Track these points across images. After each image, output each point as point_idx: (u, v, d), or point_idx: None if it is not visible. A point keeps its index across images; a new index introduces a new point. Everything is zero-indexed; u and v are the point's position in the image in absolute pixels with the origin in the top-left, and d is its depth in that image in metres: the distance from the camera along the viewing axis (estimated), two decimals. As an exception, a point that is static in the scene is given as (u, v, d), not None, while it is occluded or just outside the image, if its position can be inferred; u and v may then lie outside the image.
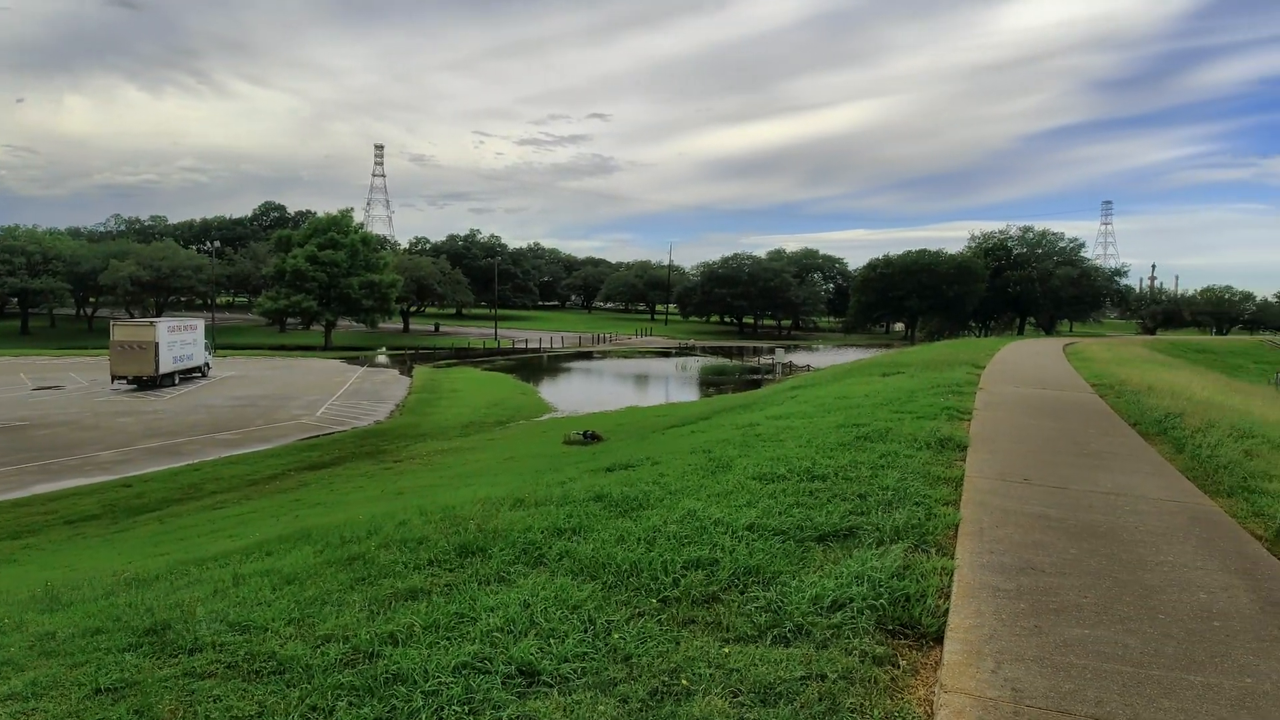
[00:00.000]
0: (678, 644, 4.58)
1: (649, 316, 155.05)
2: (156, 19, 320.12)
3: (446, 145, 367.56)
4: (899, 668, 4.36)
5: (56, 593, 8.06)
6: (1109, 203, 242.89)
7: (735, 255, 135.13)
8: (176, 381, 49.08)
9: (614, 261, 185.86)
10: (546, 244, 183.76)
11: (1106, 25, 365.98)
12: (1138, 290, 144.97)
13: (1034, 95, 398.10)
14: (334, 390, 49.05)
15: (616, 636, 4.67)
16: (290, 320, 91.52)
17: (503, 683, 4.23)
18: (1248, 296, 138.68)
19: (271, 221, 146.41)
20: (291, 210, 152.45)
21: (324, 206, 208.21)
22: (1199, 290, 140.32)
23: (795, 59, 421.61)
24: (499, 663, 4.41)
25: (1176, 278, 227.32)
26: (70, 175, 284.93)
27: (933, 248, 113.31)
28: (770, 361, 72.14)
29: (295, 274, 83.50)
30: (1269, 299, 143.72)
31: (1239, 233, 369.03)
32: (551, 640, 4.64)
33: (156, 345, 46.35)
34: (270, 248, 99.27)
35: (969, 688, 4.08)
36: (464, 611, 5.15)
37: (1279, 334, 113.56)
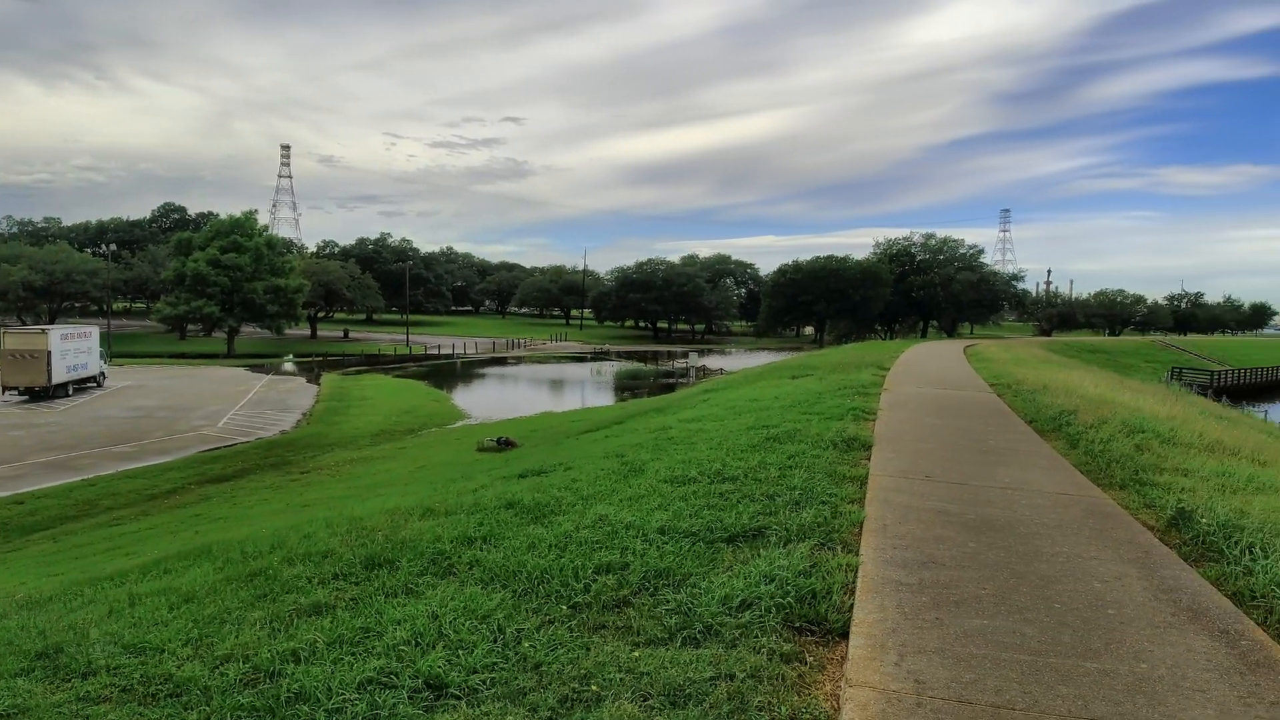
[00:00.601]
0: (588, 650, 4.57)
1: (564, 322, 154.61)
2: (55, 12, 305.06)
3: (357, 146, 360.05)
4: (806, 664, 4.43)
5: (-58, 617, 7.63)
6: (1007, 211, 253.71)
7: (650, 260, 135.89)
8: (70, 392, 46.85)
9: (529, 266, 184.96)
10: (460, 248, 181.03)
11: (1007, 41, 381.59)
12: (1035, 294, 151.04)
13: (938, 107, 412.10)
14: (237, 400, 47.50)
15: (526, 645, 4.63)
16: (191, 327, 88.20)
17: (409, 697, 4.15)
18: (1139, 299, 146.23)
19: (172, 224, 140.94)
20: (193, 212, 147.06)
21: (227, 208, 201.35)
22: (1093, 294, 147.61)
23: (709, 68, 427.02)
24: (405, 677, 4.32)
25: (1071, 282, 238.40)
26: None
27: (840, 254, 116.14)
28: (684, 365, 72.82)
29: (196, 278, 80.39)
30: (1159, 301, 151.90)
31: (1130, 239, 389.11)
32: (460, 651, 4.57)
33: (49, 354, 44.16)
34: (170, 251, 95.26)
35: (873, 681, 4.16)
36: (370, 626, 5.04)
37: (1169, 335, 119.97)
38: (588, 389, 62.05)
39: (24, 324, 79.90)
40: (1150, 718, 3.91)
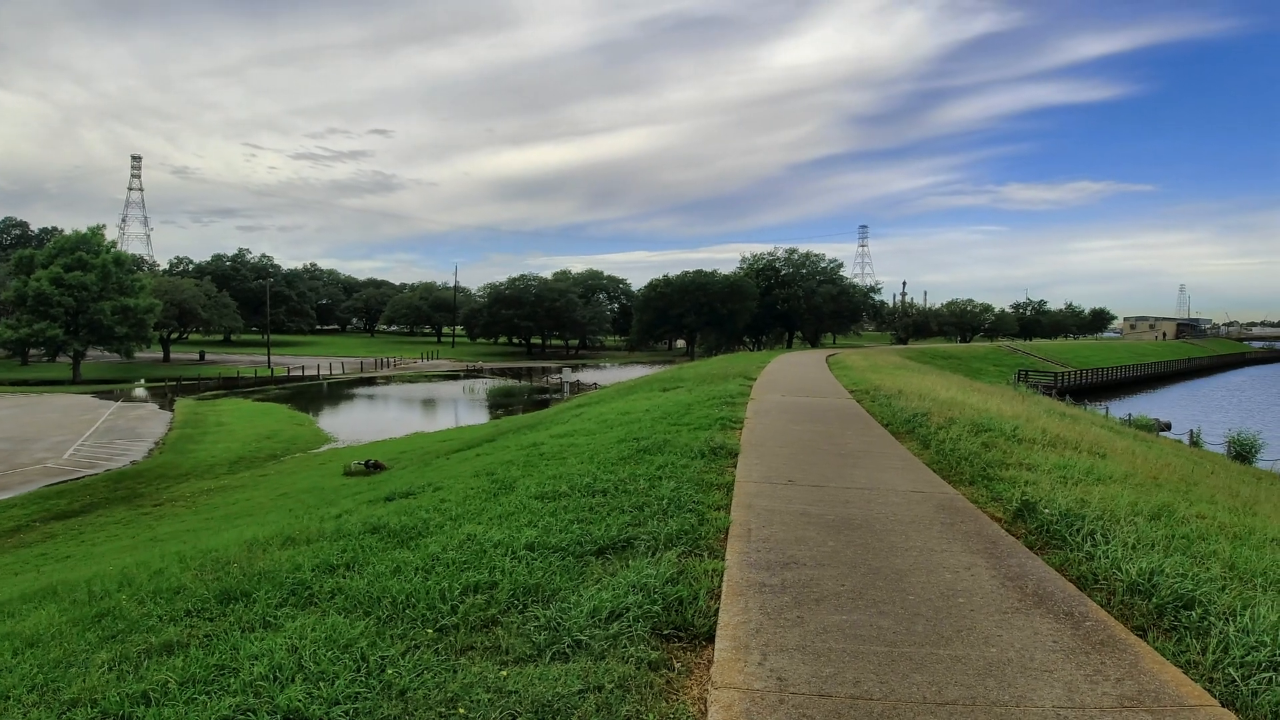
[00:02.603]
0: (455, 672, 4.51)
1: (435, 339, 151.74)
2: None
3: (213, 158, 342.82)
4: (674, 670, 4.51)
5: None
6: (865, 227, 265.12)
7: (522, 276, 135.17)
8: (-113, 429, 42.94)
9: (397, 283, 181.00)
10: (324, 264, 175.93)
11: (862, 66, 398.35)
12: (891, 305, 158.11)
13: (799, 127, 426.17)
14: (84, 429, 44.55)
15: (390, 672, 4.53)
16: (33, 352, 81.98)
17: (268, 732, 4.00)
18: (987, 308, 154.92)
19: (12, 240, 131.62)
20: (35, 227, 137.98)
21: (72, 223, 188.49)
22: (945, 303, 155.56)
23: (576, 84, 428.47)
24: (263, 713, 4.16)
25: (925, 293, 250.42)
26: None
27: (709, 268, 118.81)
28: (558, 380, 72.58)
29: (38, 298, 74.80)
30: (1006, 309, 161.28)
31: (978, 251, 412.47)
32: (321, 683, 4.43)
33: None
34: (9, 270, 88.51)
35: (737, 681, 4.27)
36: (225, 662, 4.83)
37: (1016, 340, 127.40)
38: (461, 408, 61.12)
39: None
40: (1001, 699, 4.12)
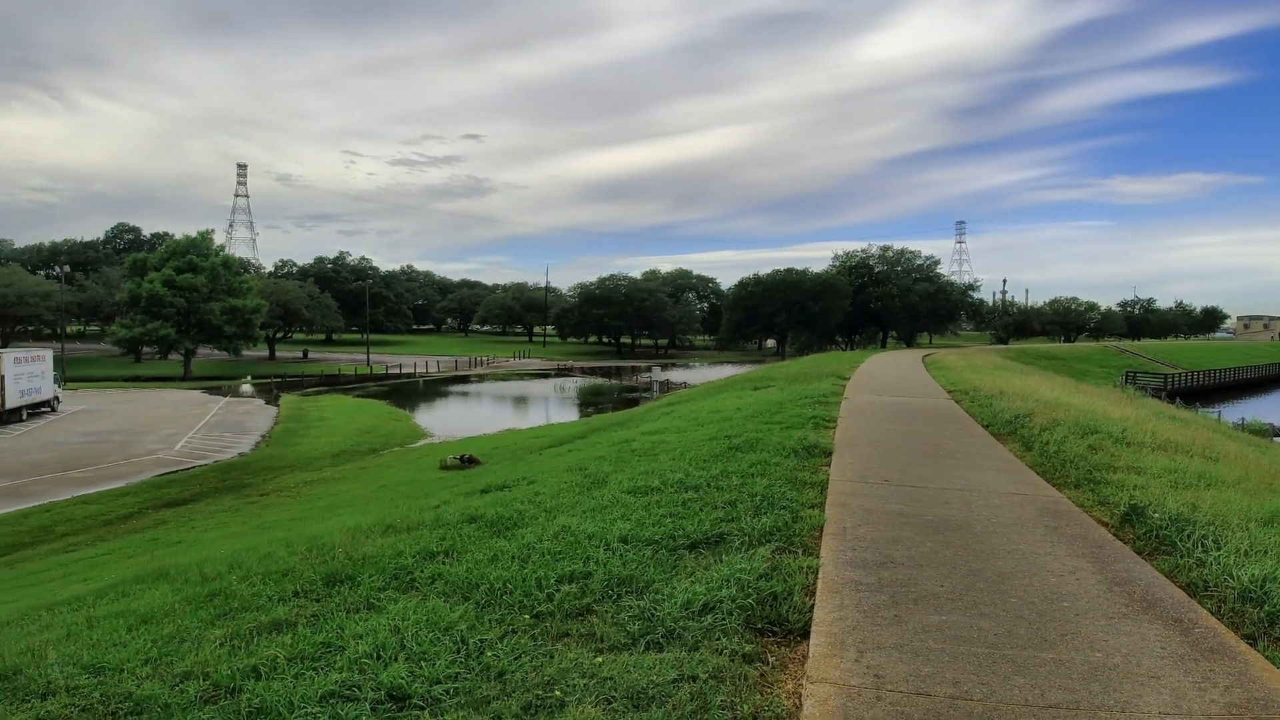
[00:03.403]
0: (551, 657, 4.58)
1: (526, 339, 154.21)
2: (2, 29, 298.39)
3: (314, 165, 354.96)
4: (767, 664, 4.48)
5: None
6: (962, 223, 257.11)
7: (611, 276, 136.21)
8: (24, 417, 45.75)
9: (490, 284, 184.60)
10: (420, 266, 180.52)
11: (955, 57, 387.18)
12: (990, 303, 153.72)
13: (889, 123, 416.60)
14: (194, 423, 46.72)
15: (489, 655, 4.63)
16: (147, 350, 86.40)
17: (372, 708, 4.13)
18: (1092, 306, 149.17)
19: (125, 244, 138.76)
20: (147, 233, 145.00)
21: (181, 228, 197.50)
22: (1047, 302, 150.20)
23: (662, 85, 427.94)
24: (368, 689, 4.30)
25: (1026, 291, 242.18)
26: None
27: (799, 267, 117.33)
28: (648, 380, 72.96)
29: (151, 300, 78.94)
30: (1112, 308, 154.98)
31: (1081, 248, 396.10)
32: (422, 663, 4.56)
33: (2, 378, 43.13)
34: (124, 272, 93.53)
35: (833, 677, 4.22)
36: (331, 640, 5.01)
37: (1123, 340, 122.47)
38: (551, 405, 61.94)
39: (-27, 349, 77.98)
40: (1105, 704, 4.00)
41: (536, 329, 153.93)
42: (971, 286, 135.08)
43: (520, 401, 65.85)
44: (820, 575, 5.71)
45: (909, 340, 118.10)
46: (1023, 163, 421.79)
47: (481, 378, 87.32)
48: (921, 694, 4.06)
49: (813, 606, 5.15)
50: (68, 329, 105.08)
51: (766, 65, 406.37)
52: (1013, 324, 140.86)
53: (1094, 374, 63.36)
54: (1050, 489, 8.98)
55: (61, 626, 6.73)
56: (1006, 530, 7.11)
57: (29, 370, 46.37)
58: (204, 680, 4.68)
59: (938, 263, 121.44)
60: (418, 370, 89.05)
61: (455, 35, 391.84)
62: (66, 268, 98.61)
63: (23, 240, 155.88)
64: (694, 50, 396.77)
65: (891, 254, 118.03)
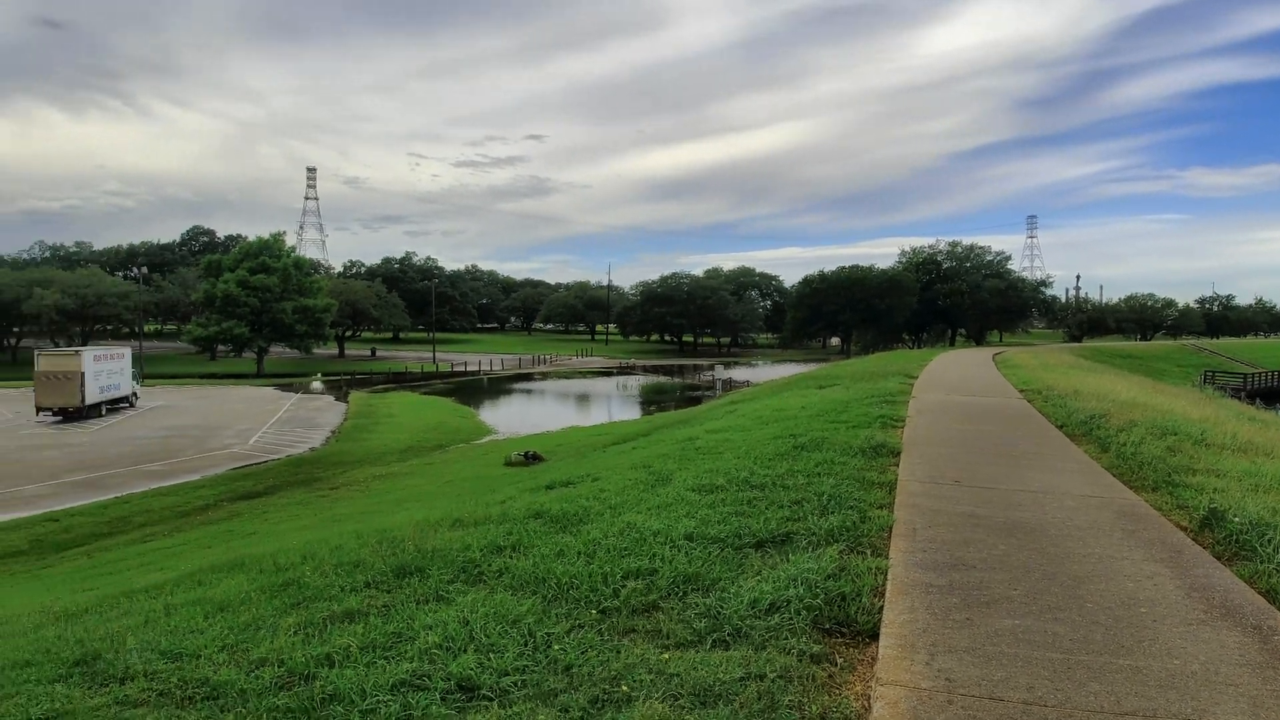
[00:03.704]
0: (618, 652, 4.60)
1: (589, 337, 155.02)
2: (79, 40, 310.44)
3: (381, 168, 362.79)
4: (836, 665, 4.43)
5: (-17, 628, 7.80)
6: (1034, 217, 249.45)
7: (673, 274, 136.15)
8: (103, 412, 47.56)
9: (552, 283, 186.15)
10: (484, 266, 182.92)
11: (1024, 47, 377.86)
12: (1063, 300, 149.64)
13: (956, 115, 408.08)
14: (266, 418, 48.01)
15: (556, 648, 4.67)
16: (221, 348, 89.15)
17: (441, 698, 4.20)
18: (1169, 303, 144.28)
19: (200, 246, 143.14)
20: (220, 235, 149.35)
21: (253, 230, 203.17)
22: (1122, 298, 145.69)
23: (724, 82, 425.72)
24: (437, 679, 4.37)
25: (1101, 287, 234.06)
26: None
27: (865, 264, 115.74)
28: (710, 378, 72.83)
29: (226, 300, 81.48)
30: (1190, 305, 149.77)
31: (1157, 242, 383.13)
32: (491, 655, 4.62)
33: (82, 375, 44.84)
34: (199, 273, 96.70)
35: (904, 680, 4.16)
36: (401, 631, 5.11)
37: (1201, 338, 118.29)
38: (613, 403, 62.20)
39: (57, 346, 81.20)
40: (1181, 711, 3.88)
41: (599, 327, 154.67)
42: (1043, 283, 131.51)
43: (582, 399, 66.26)
44: (889, 576, 5.62)
45: (978, 338, 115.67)
46: (1095, 155, 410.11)
47: (544, 376, 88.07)
48: (994, 699, 3.98)
49: (882, 608, 5.08)
50: (145, 328, 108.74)
51: (829, 59, 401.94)
52: (1086, 321, 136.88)
53: (1171, 373, 61.29)
54: (1127, 491, 8.72)
55: (140, 613, 6.94)
56: (1081, 533, 6.92)
57: (108, 367, 48.10)
58: (279, 667, 4.80)
59: (1008, 258, 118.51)
60: (482, 368, 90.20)
61: (517, 36, 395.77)
62: (144, 269, 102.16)
63: (101, 242, 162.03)
64: (755, 45, 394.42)
65: (960, 250, 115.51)
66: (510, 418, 52.25)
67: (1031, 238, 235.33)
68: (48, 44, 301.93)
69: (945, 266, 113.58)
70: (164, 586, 8.71)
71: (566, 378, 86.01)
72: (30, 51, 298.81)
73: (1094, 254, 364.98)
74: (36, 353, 48.29)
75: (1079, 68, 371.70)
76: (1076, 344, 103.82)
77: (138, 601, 7.91)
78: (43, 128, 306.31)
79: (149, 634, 5.90)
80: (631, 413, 52.43)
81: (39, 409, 45.04)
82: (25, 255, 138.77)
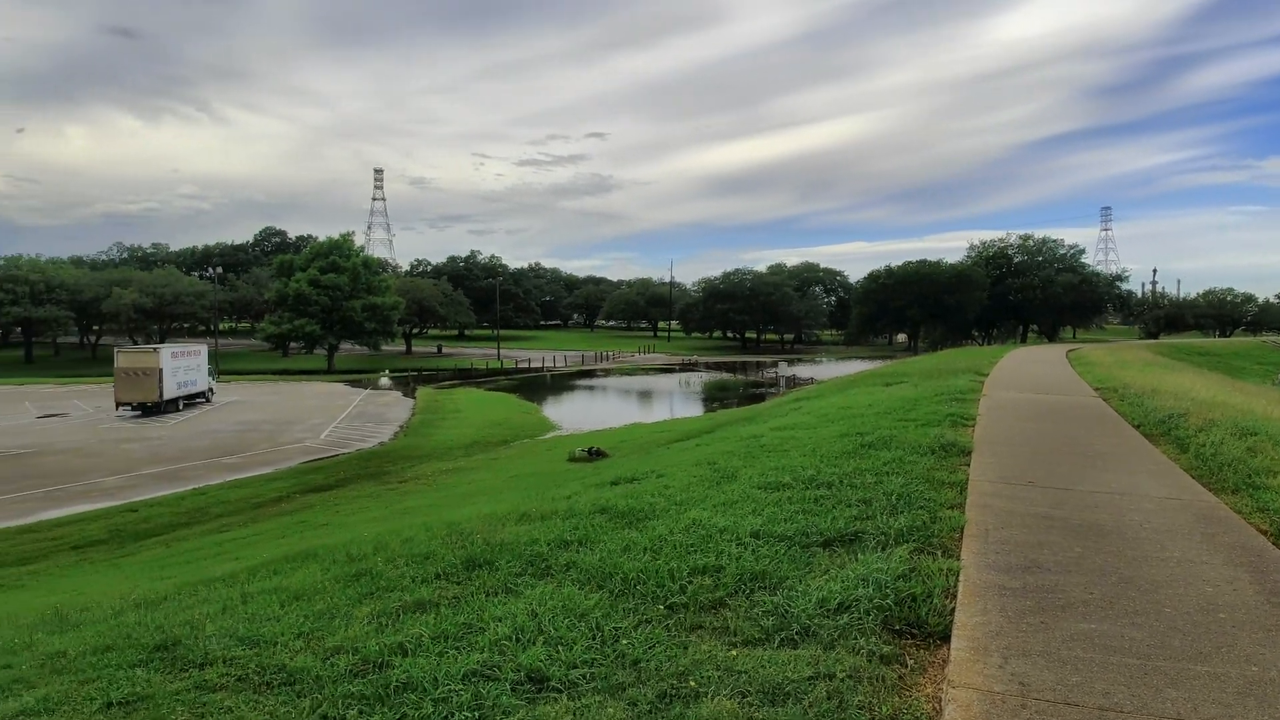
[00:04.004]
0: (685, 648, 4.61)
1: (651, 334, 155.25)
2: (152, 48, 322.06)
3: (445, 168, 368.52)
4: (906, 666, 4.38)
5: (65, 614, 8.11)
6: (1108, 209, 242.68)
7: (736, 270, 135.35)
8: (180, 407, 49.16)
9: (615, 280, 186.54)
10: (547, 263, 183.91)
11: (1096, 33, 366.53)
12: (1139, 295, 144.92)
13: (1026, 104, 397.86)
14: (337, 413, 49.11)
15: (624, 642, 4.70)
16: (293, 345, 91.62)
17: (511, 689, 4.26)
18: (1249, 298, 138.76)
19: (273, 247, 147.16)
20: (292, 235, 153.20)
21: (324, 231, 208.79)
22: (1200, 293, 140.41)
23: (785, 75, 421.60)
24: (507, 670, 4.44)
25: (1178, 282, 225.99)
26: (71, 204, 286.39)
27: (933, 258, 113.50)
28: (774, 375, 72.39)
29: (298, 298, 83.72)
30: (1271, 300, 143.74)
31: (1237, 235, 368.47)
32: (559, 647, 4.67)
33: (160, 371, 46.41)
34: (272, 273, 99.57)
35: (976, 683, 4.09)
36: (472, 622, 5.19)
37: None
38: (676, 400, 62.17)
39: (135, 344, 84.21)
40: (1260, 720, 3.77)
41: (661, 324, 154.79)
42: (1119, 277, 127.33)
43: (645, 396, 66.36)
44: (961, 578, 5.53)
45: (1051, 335, 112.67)
46: (1171, 144, 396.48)
47: (607, 372, 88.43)
48: (1069, 704, 3.90)
49: (953, 610, 4.99)
50: (220, 326, 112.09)
51: (894, 49, 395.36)
52: (1163, 317, 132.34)
53: (1250, 371, 58.90)
54: (1206, 493, 8.44)
55: (217, 601, 7.12)
56: (1159, 536, 6.72)
57: (185, 364, 49.73)
58: (353, 655, 4.91)
59: (1082, 252, 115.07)
60: (545, 365, 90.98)
61: (578, 35, 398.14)
62: (219, 269, 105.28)
63: (178, 244, 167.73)
64: (817, 37, 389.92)
65: (1032, 243, 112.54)
66: (573, 414, 52.60)
67: (1106, 230, 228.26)
68: (121, 52, 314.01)
69: (1017, 261, 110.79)
70: (240, 575, 8.92)
71: (629, 374, 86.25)
72: (105, 59, 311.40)
73: (1171, 247, 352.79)
74: (116, 350, 50.12)
75: (1152, 54, 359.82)
76: (1153, 340, 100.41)
77: (215, 590, 8.11)
78: (119, 134, 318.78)
79: (227, 621, 6.06)
80: (694, 410, 52.34)
81: (119, 404, 46.72)
82: (104, 256, 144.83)
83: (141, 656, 5.49)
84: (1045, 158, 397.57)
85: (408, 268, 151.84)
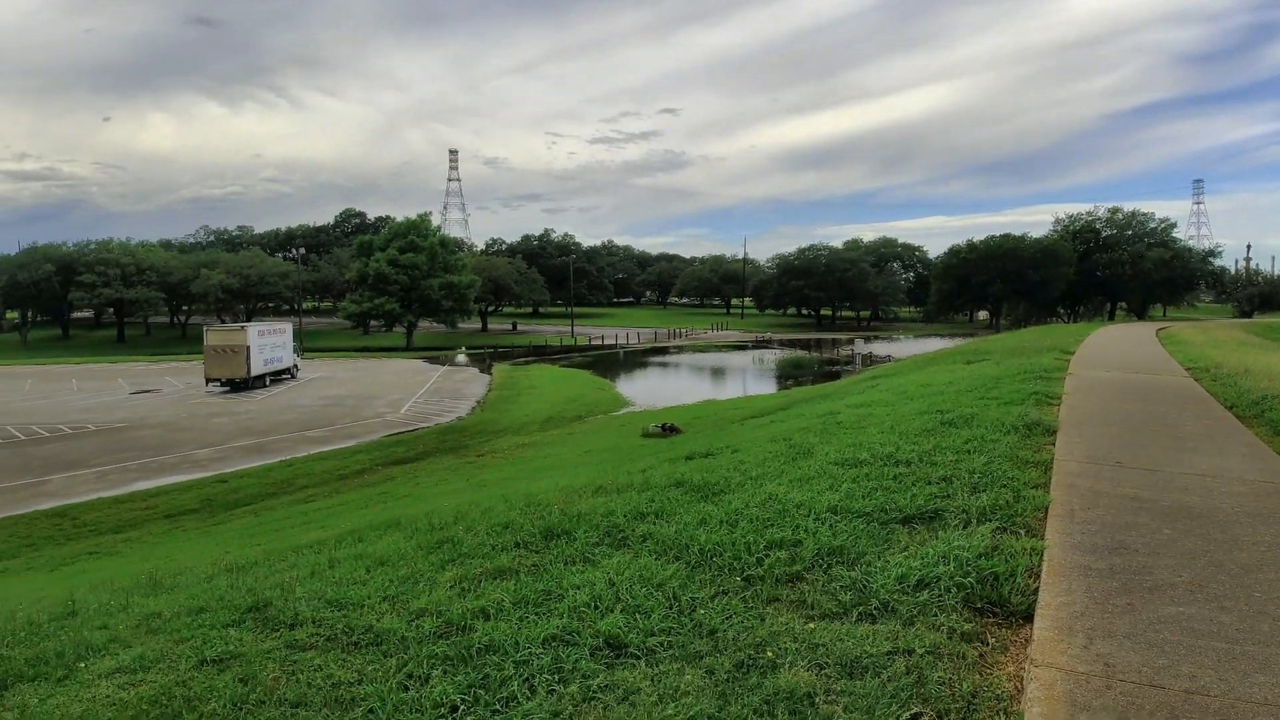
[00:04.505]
0: (762, 620, 4.63)
1: (724, 311, 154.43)
2: (232, 36, 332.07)
3: (519, 148, 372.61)
4: (987, 644, 4.33)
5: (159, 578, 8.42)
6: (1200, 181, 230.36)
7: (811, 246, 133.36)
8: (267, 383, 50.80)
9: (688, 257, 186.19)
10: (619, 241, 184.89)
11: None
12: (1232, 272, 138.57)
13: (1115, 72, 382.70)
14: (416, 389, 50.18)
15: (701, 613, 4.74)
16: (373, 323, 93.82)
17: (590, 654, 4.35)
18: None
19: (352, 228, 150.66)
20: (371, 216, 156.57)
21: (401, 212, 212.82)
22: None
23: (861, 46, 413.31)
24: (586, 636, 4.53)
25: (1274, 258, 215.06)
26: (157, 190, 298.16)
27: (1015, 233, 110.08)
28: (849, 352, 71.45)
29: (378, 277, 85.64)
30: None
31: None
32: (637, 615, 4.73)
33: (248, 349, 48.01)
34: (352, 253, 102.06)
35: (1060, 663, 4.03)
36: (551, 589, 5.29)
37: None
38: (749, 377, 61.86)
39: (224, 323, 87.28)
40: (1356, 706, 3.64)
41: (734, 301, 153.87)
42: (1211, 253, 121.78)
43: (718, 373, 66.18)
44: (1046, 558, 5.42)
45: (1140, 312, 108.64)
46: (1266, 114, 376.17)
47: (680, 349, 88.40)
48: (1154, 686, 3.82)
49: (1037, 589, 4.91)
50: (303, 305, 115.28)
51: (975, 17, 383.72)
52: (1257, 295, 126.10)
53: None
54: (1304, 477, 8.09)
55: (306, 566, 7.35)
56: (1251, 521, 6.48)
57: (271, 341, 51.36)
58: (437, 618, 5.06)
59: (1174, 226, 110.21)
60: (619, 341, 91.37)
61: (650, 12, 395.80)
62: (301, 250, 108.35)
63: (262, 226, 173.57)
64: (895, 6, 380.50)
65: (1121, 217, 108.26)
66: (646, 390, 52.77)
67: (1198, 204, 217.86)
68: (202, 42, 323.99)
69: (1105, 235, 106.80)
70: (326, 542, 9.21)
71: (702, 351, 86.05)
72: (187, 49, 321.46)
73: (1266, 222, 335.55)
74: (206, 328, 52.02)
75: (1245, 20, 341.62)
76: (1246, 320, 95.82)
77: (303, 556, 8.38)
78: (203, 120, 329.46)
79: (315, 585, 6.28)
80: (767, 387, 52.01)
81: (208, 380, 48.52)
82: (192, 239, 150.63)
83: (234, 617, 5.71)
84: (1133, 129, 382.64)
85: (483, 247, 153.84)
